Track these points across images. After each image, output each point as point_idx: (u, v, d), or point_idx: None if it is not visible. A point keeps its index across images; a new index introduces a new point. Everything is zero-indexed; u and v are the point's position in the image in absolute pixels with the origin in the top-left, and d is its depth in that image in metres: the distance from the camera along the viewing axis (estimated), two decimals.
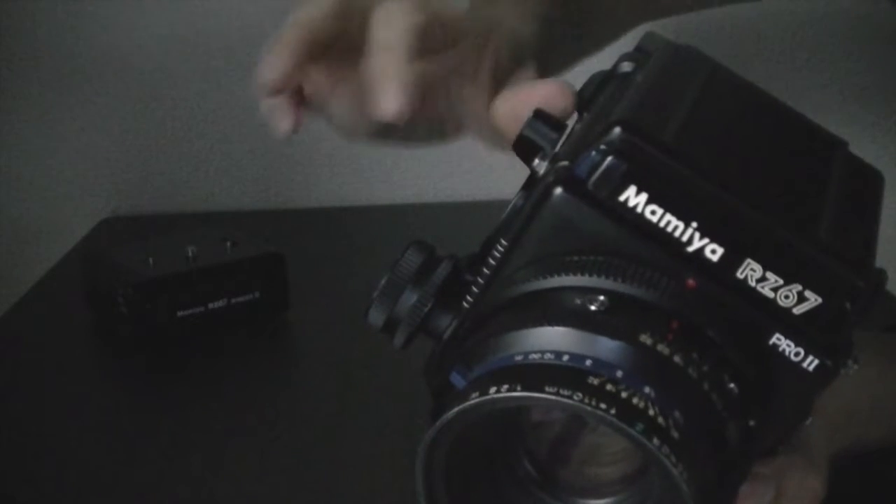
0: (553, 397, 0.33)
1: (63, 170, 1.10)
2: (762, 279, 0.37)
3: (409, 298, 0.41)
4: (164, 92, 1.09)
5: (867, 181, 0.44)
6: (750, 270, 0.37)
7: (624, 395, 0.33)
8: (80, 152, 1.10)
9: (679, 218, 0.37)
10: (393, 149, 0.54)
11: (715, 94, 0.44)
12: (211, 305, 0.75)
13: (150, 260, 0.75)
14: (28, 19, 1.06)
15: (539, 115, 0.41)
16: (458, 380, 0.38)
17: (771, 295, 0.37)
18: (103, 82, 1.08)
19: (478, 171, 1.07)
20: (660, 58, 0.45)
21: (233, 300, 0.76)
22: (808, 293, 0.37)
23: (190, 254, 0.76)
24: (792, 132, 0.45)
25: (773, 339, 0.37)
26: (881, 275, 0.39)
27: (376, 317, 0.41)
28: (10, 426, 0.66)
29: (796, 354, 0.37)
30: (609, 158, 0.37)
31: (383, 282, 0.41)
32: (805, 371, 0.37)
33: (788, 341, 0.37)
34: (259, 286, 0.77)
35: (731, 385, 0.36)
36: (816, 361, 0.37)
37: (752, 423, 0.37)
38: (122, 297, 0.73)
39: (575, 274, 0.37)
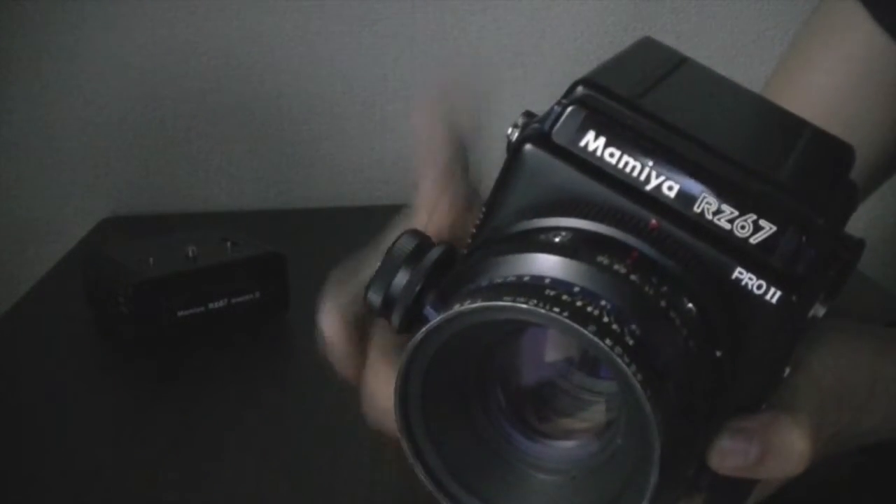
0: (509, 304, 0.34)
1: (63, 170, 1.10)
2: (718, 212, 0.38)
3: (403, 278, 0.41)
4: (164, 92, 1.09)
5: (835, 149, 0.45)
6: (706, 204, 0.38)
7: (579, 303, 0.35)
8: (80, 152, 1.10)
9: (635, 158, 0.39)
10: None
11: (682, 74, 0.45)
12: (211, 305, 0.75)
13: (150, 260, 0.75)
14: (28, 19, 1.06)
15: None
16: (430, 313, 0.40)
17: (727, 227, 0.38)
18: (103, 82, 1.08)
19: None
20: (632, 46, 0.47)
21: (233, 300, 0.76)
22: (762, 222, 0.38)
23: (190, 254, 0.76)
24: (759, 109, 0.47)
25: (735, 274, 0.38)
26: (859, 243, 0.40)
27: (374, 297, 0.43)
28: (11, 426, 0.66)
29: (758, 287, 0.38)
30: (569, 109, 0.40)
31: (379, 263, 0.42)
32: (768, 304, 0.38)
33: (750, 274, 0.38)
34: (259, 286, 0.77)
35: (690, 305, 0.37)
36: (778, 293, 0.38)
37: (718, 353, 0.38)
38: (123, 297, 0.73)
39: (540, 217, 0.39)
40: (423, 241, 0.42)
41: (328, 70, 1.09)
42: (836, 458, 0.45)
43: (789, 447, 0.40)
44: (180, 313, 0.74)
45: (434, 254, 0.42)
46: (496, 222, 0.40)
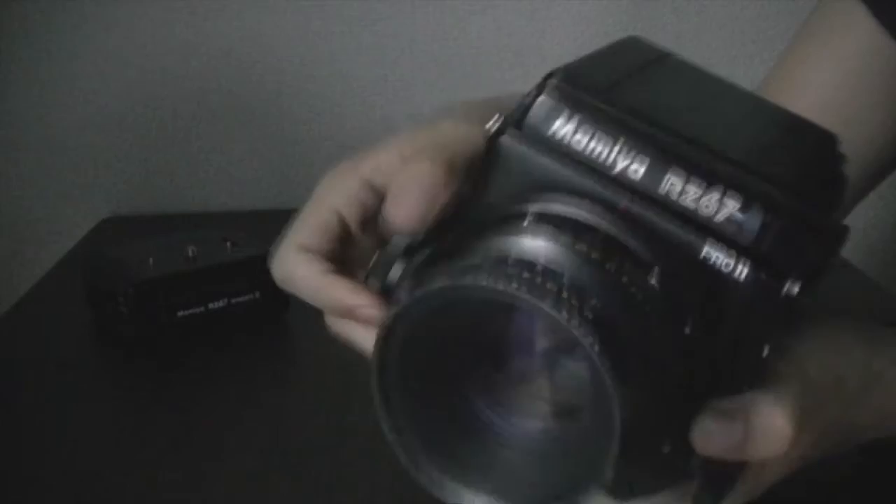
0: (469, 283, 0.35)
1: (63, 170, 1.10)
2: (683, 192, 0.39)
3: (398, 271, 0.42)
4: (164, 92, 1.09)
5: (813, 135, 0.45)
6: (671, 185, 0.39)
7: (538, 280, 0.35)
8: (80, 152, 1.10)
9: (603, 143, 0.40)
10: None
11: (660, 68, 0.46)
12: (211, 305, 0.75)
13: (150, 260, 0.75)
14: (28, 19, 1.06)
15: None
16: (403, 292, 0.40)
17: (693, 206, 0.39)
18: (103, 82, 1.08)
19: None
20: (616, 42, 0.48)
21: (233, 300, 0.76)
22: (726, 200, 0.39)
23: (190, 254, 0.76)
24: (735, 98, 0.47)
25: (704, 252, 0.38)
26: (841, 227, 0.40)
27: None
28: (11, 426, 0.66)
29: (727, 266, 0.38)
30: (541, 97, 0.41)
31: (375, 257, 0.43)
32: (737, 282, 0.38)
33: (718, 253, 0.38)
34: (259, 286, 0.77)
35: (653, 282, 0.37)
36: (746, 271, 0.38)
37: (687, 330, 0.38)
38: (123, 297, 0.73)
39: (511, 204, 0.40)
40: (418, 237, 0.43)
41: (328, 70, 1.09)
42: (836, 458, 0.45)
43: (771, 425, 0.40)
44: (180, 313, 0.74)
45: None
46: (473, 210, 0.41)
